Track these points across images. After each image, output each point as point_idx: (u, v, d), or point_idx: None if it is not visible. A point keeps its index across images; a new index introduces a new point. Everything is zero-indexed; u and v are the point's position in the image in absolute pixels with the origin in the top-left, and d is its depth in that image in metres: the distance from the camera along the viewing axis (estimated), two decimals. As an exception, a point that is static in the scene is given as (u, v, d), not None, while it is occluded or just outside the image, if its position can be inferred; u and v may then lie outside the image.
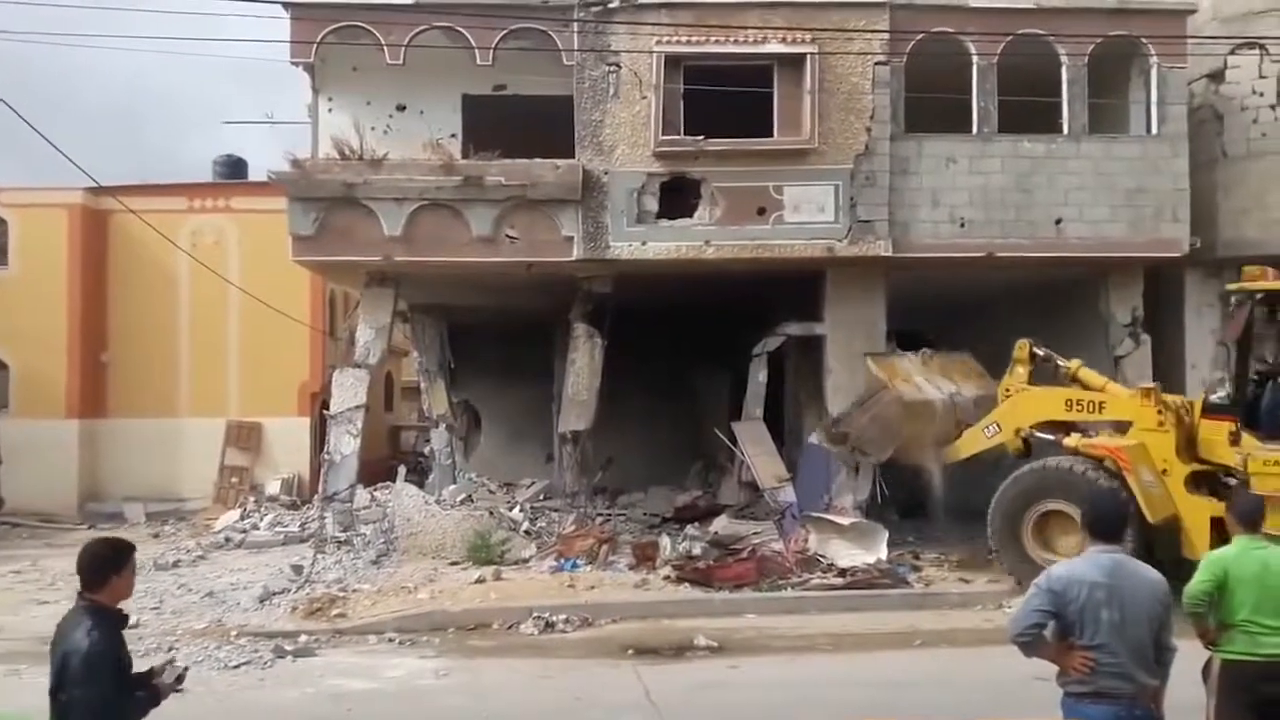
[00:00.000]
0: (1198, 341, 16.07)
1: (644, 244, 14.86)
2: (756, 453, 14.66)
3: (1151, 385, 12.39)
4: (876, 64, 14.83)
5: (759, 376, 15.06)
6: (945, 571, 13.18)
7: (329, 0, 15.03)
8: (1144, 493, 11.31)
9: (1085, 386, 12.79)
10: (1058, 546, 12.03)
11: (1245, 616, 5.54)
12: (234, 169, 26.65)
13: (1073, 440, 12.28)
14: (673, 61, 14.66)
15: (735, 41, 14.65)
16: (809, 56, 14.57)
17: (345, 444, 15.19)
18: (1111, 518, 4.92)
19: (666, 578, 13.16)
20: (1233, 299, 11.64)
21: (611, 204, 14.85)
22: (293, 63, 15.21)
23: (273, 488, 22.58)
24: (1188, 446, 11.83)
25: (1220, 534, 10.85)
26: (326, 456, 15.37)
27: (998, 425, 13.05)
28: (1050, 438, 12.60)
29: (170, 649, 10.88)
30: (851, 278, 15.32)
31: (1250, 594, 5.53)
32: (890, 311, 15.44)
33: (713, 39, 14.65)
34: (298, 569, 14.06)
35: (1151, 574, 4.81)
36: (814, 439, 14.40)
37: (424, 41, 14.66)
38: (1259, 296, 11.43)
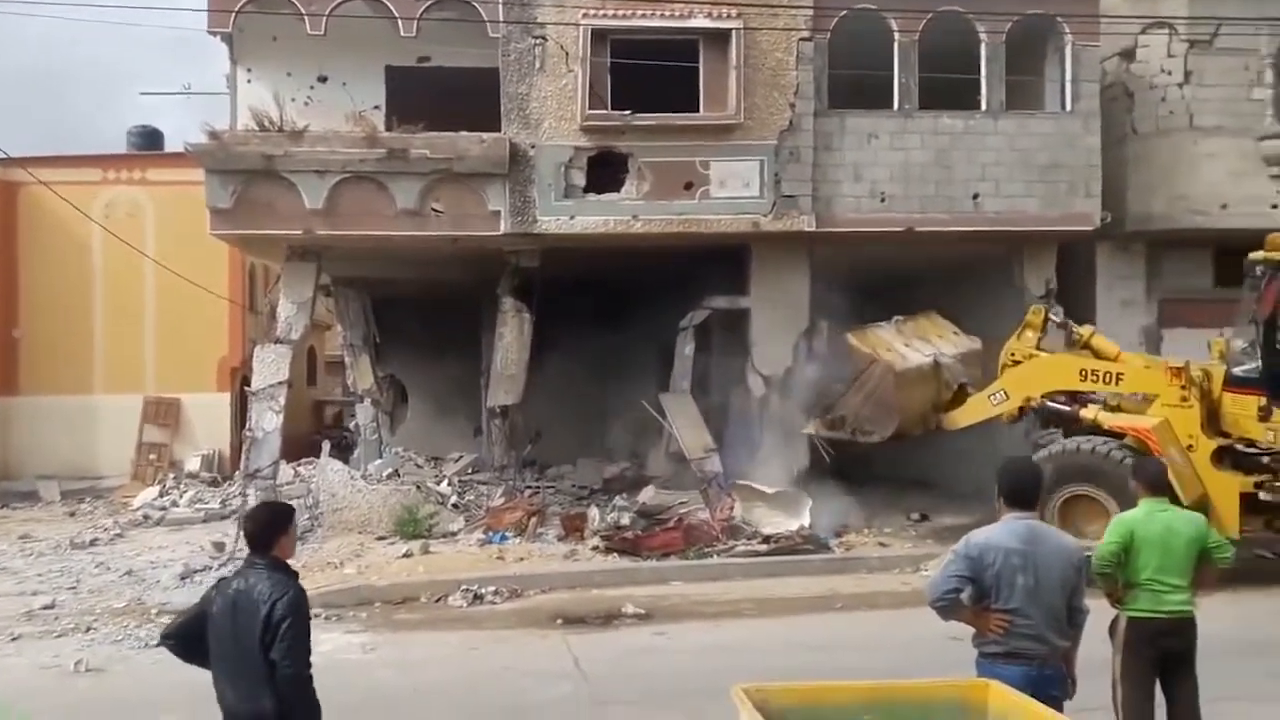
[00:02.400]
0: (1108, 313, 16.54)
1: (572, 218, 14.82)
2: (683, 424, 14.80)
3: (1181, 364, 11.72)
4: (800, 40, 14.94)
5: (685, 350, 15.17)
6: (866, 537, 13.47)
7: None
8: (1175, 473, 10.27)
9: (1097, 354, 12.34)
10: (1088, 533, 10.79)
11: (1149, 576, 5.79)
12: (150, 140, 25.90)
13: (1090, 413, 11.93)
14: (599, 35, 14.60)
15: (661, 15, 14.64)
16: (734, 32, 14.62)
17: (268, 421, 14.94)
18: (1026, 486, 5.07)
19: (595, 548, 13.27)
20: (1258, 269, 11.07)
21: (539, 178, 14.76)
22: (210, 32, 14.81)
23: (192, 464, 22.14)
24: (1212, 421, 11.47)
25: (1251, 508, 10.92)
26: (249, 433, 15.11)
27: (1005, 393, 12.62)
28: (1064, 408, 12.26)
29: (89, 629, 10.69)
30: (776, 252, 15.49)
31: (1154, 555, 5.78)
32: (814, 285, 15.64)
33: (639, 13, 14.63)
34: (219, 546, 13.86)
35: (1065, 540, 5.02)
36: (809, 430, 14.26)
37: (346, 11, 14.38)
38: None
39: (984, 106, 15.44)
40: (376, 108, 15.25)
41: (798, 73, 14.96)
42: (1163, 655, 5.89)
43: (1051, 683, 4.82)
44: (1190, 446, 11.27)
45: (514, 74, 14.83)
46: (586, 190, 14.84)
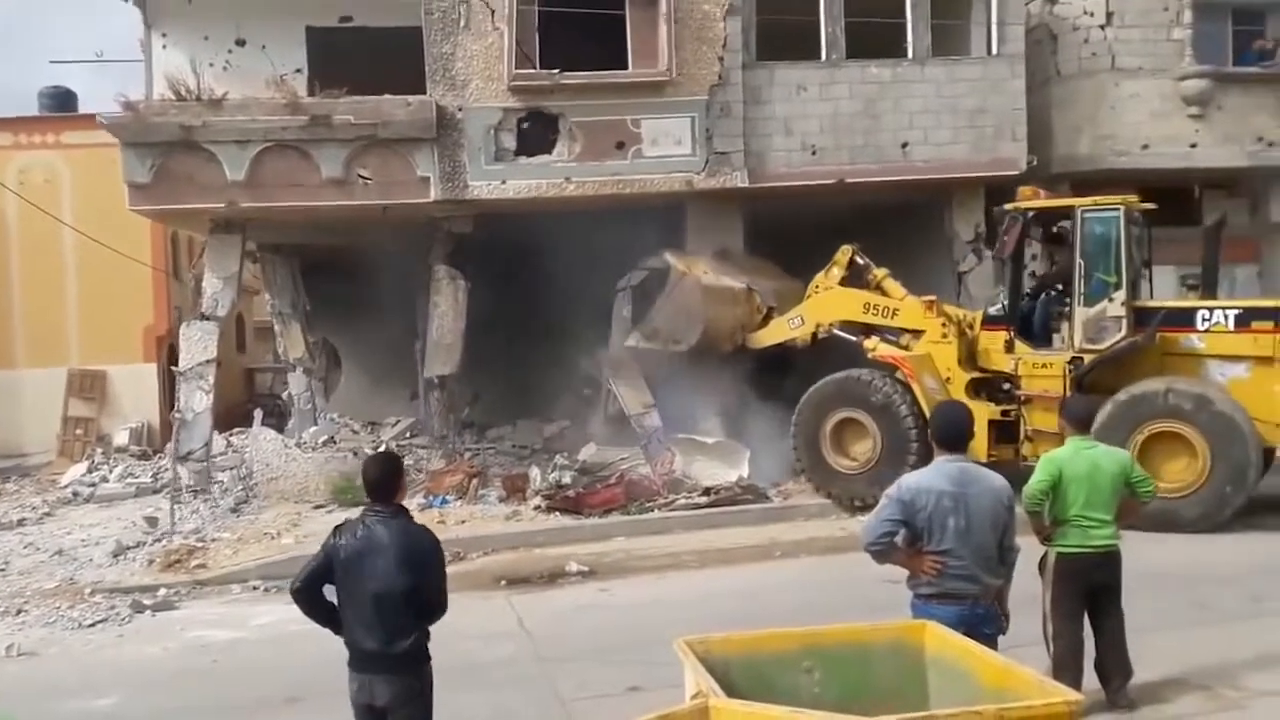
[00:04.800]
0: (1038, 256, 16.81)
1: (503, 183, 14.61)
2: (623, 381, 14.79)
3: (932, 298, 13.16)
4: None
5: (624, 312, 15.12)
6: (803, 484, 13.63)
7: None
8: (927, 399, 11.99)
9: (885, 294, 13.44)
10: (852, 452, 12.82)
11: (1077, 512, 5.97)
12: (62, 101, 24.84)
13: (870, 343, 13.04)
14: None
15: None
16: None
17: (197, 401, 14.57)
18: (956, 428, 5.16)
19: (537, 508, 13.27)
20: (1006, 217, 12.41)
21: (468, 142, 14.51)
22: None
23: (121, 438, 21.59)
24: (969, 357, 12.69)
25: (998, 436, 12.14)
26: (178, 415, 14.74)
27: (802, 318, 13.76)
28: (852, 338, 13.29)
29: (19, 612, 10.44)
30: (710, 209, 15.44)
31: (1081, 491, 5.97)
32: (748, 239, 15.67)
33: None
34: (152, 521, 13.59)
35: (995, 480, 5.08)
36: (632, 341, 14.65)
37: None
38: (1030, 215, 12.26)
39: (910, 54, 15.48)
40: (298, 71, 14.84)
41: (725, 24, 14.83)
42: (1091, 588, 6.09)
43: (985, 620, 4.93)
44: (948, 379, 12.44)
45: (438, 33, 14.51)
46: (517, 153, 14.63)
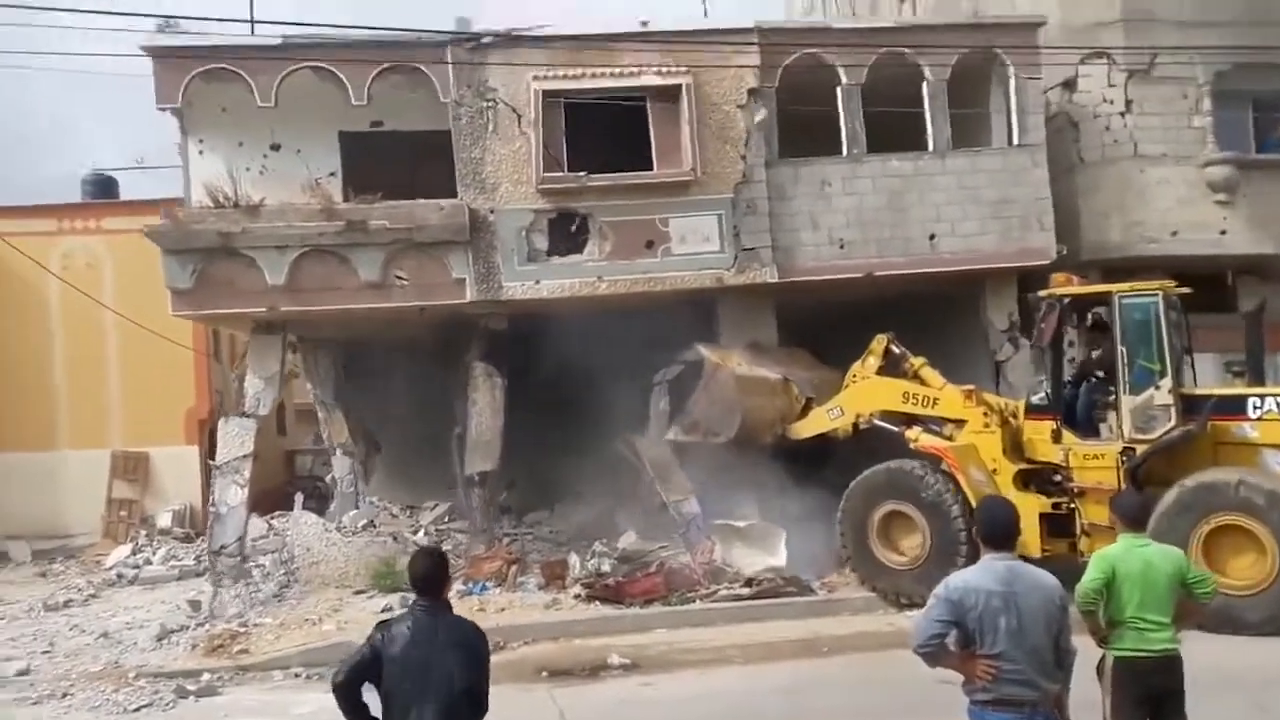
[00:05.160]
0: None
1: (537, 283, 14.85)
2: (660, 468, 14.84)
3: (971, 388, 13.03)
4: (749, 90, 15.14)
5: (661, 405, 15.16)
6: (847, 576, 13.51)
7: (193, 44, 14.65)
8: (974, 491, 11.82)
9: (924, 383, 13.36)
10: (901, 547, 12.57)
11: (1133, 613, 5.81)
12: (104, 188, 25.57)
13: (912, 434, 12.84)
14: (550, 97, 14.68)
15: (611, 75, 14.78)
16: (684, 87, 14.76)
17: (232, 495, 14.59)
18: (1003, 526, 5.10)
19: (577, 596, 13.24)
20: (1042, 305, 12.28)
21: (501, 244, 14.79)
22: (159, 108, 14.75)
23: (164, 520, 21.77)
24: (1015, 447, 12.42)
25: (1051, 529, 11.87)
26: (213, 508, 14.84)
27: (841, 409, 13.59)
28: (894, 429, 13.12)
29: (65, 695, 10.52)
30: (741, 302, 15.57)
31: (1135, 591, 5.80)
32: (781, 331, 15.80)
33: (588, 73, 14.74)
34: (195, 605, 13.70)
35: (1046, 578, 5.01)
36: (671, 434, 14.72)
37: (296, 81, 14.43)
38: (1066, 301, 12.15)
39: (931, 147, 15.67)
40: (332, 175, 15.22)
41: (746, 124, 15.10)
42: (1151, 694, 5.89)
43: None
44: (995, 470, 12.22)
45: (466, 138, 14.85)
46: (549, 253, 14.86)
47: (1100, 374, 12.28)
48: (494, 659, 11.32)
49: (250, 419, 14.97)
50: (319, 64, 14.48)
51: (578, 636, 12.02)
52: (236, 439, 14.84)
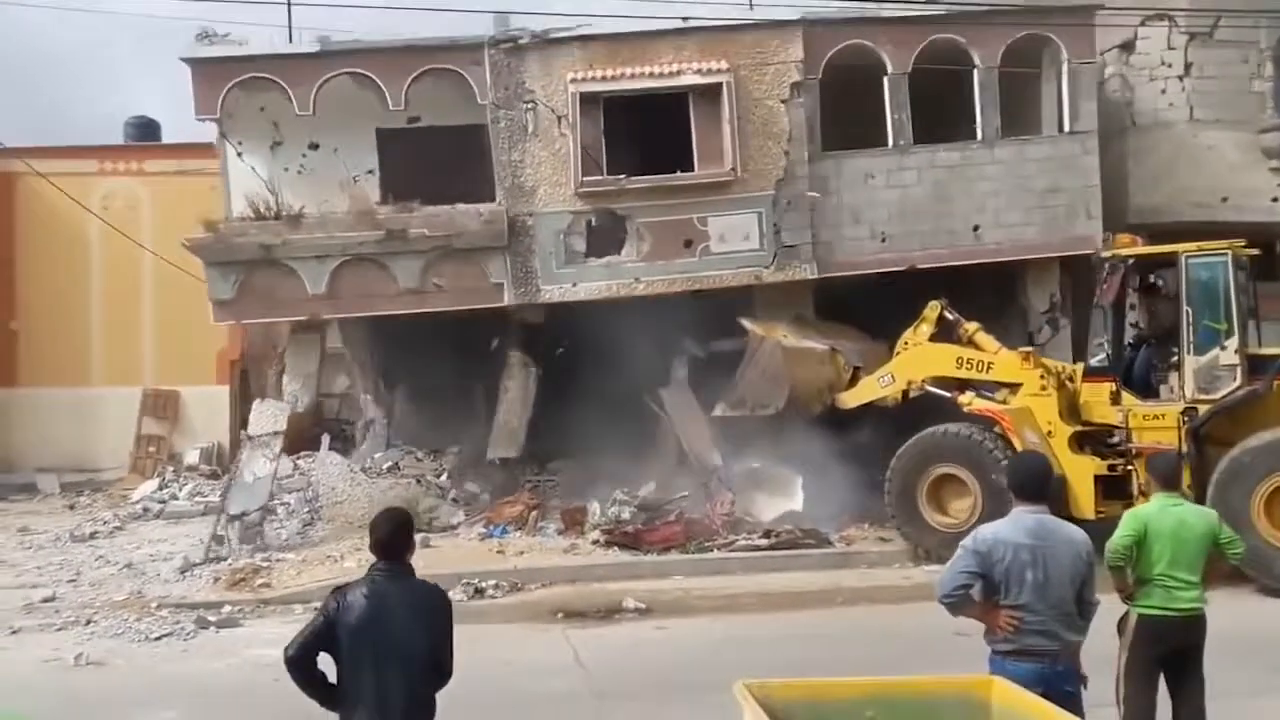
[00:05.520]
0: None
1: (575, 285, 14.79)
2: (685, 418, 14.78)
3: (1030, 349, 12.83)
4: (792, 84, 14.79)
5: (679, 373, 15.17)
6: (865, 530, 13.44)
7: (231, 54, 14.56)
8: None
9: (978, 348, 13.08)
10: (950, 509, 12.39)
11: (1162, 571, 5.75)
12: (146, 130, 25.69)
13: (965, 398, 12.62)
14: (589, 98, 14.48)
15: (650, 75, 14.50)
16: (725, 85, 14.46)
17: (260, 466, 14.49)
18: (1035, 478, 5.03)
19: (595, 542, 13.25)
20: (1106, 265, 12.04)
21: (539, 247, 14.72)
22: (199, 119, 14.75)
23: (191, 457, 22.03)
24: (1070, 410, 12.20)
25: (1106, 491, 11.66)
26: (237, 476, 14.64)
27: (892, 375, 13.30)
28: (945, 394, 12.86)
29: (89, 622, 10.69)
30: (780, 294, 15.38)
31: (1167, 549, 5.74)
32: (819, 312, 15.62)
33: (627, 73, 14.49)
34: (219, 539, 13.82)
35: (1074, 532, 4.96)
36: (718, 411, 14.52)
37: (334, 82, 14.34)
38: (1130, 262, 11.88)
39: (980, 136, 15.26)
40: (370, 173, 15.21)
41: (790, 118, 14.78)
42: (1170, 652, 5.85)
43: (1065, 679, 4.79)
44: (1050, 432, 11.93)
45: (505, 142, 14.73)
46: (587, 255, 14.78)
47: (1158, 337, 12.03)
48: (511, 599, 11.55)
49: (284, 403, 15.04)
50: (356, 70, 14.44)
51: (595, 581, 12.03)
52: (270, 417, 14.84)
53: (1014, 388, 12.47)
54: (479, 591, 11.69)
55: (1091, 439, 12.06)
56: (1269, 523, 10.56)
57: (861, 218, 15.12)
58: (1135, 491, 11.50)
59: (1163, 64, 16.55)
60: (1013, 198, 15.21)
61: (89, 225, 21.93)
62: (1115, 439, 11.83)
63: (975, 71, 15.12)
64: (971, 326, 13.28)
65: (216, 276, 14.52)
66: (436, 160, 14.78)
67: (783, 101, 14.83)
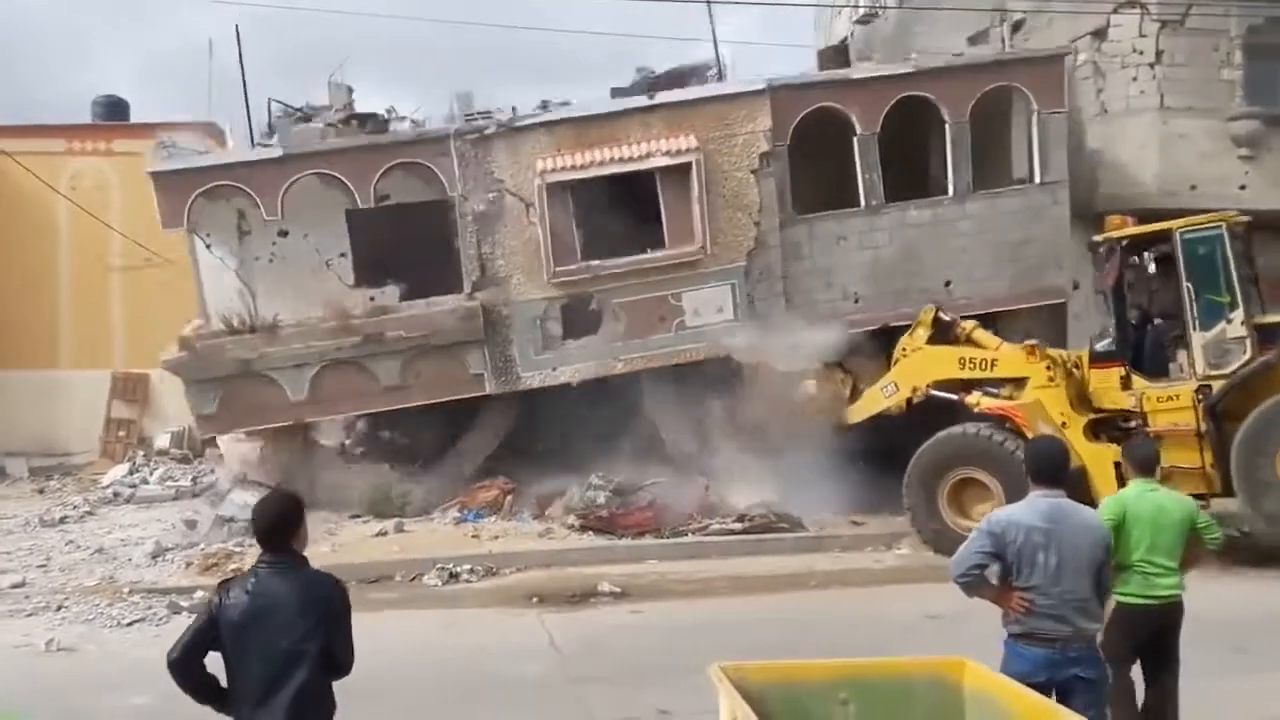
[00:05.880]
0: (1077, 304, 16.09)
1: (554, 370, 14.86)
2: (661, 406, 14.82)
3: (1033, 342, 12.53)
4: (761, 155, 14.83)
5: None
6: (837, 515, 13.52)
7: (194, 165, 14.53)
8: None
9: (978, 346, 12.91)
10: (973, 514, 11.92)
11: (1140, 557, 5.78)
12: (114, 110, 25.40)
13: (973, 398, 12.36)
14: (557, 187, 14.49)
15: (618, 161, 14.50)
16: (694, 164, 14.49)
17: (248, 495, 14.20)
18: (1052, 463, 5.03)
19: (570, 526, 13.29)
20: (1100, 249, 11.98)
21: (517, 336, 14.78)
22: (166, 230, 14.77)
23: (162, 441, 21.90)
24: (1080, 398, 12.03)
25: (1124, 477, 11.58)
26: (223, 502, 14.64)
27: (895, 384, 13.03)
28: (951, 396, 12.60)
29: (60, 608, 10.61)
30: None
31: (1146, 534, 5.77)
32: None
33: (595, 159, 14.50)
34: (191, 524, 13.76)
35: (1092, 519, 4.99)
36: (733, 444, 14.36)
37: (300, 187, 14.39)
38: (1124, 244, 11.77)
39: (951, 191, 15.24)
40: (342, 255, 15.12)
41: (759, 188, 14.79)
42: (1147, 639, 5.89)
43: (1076, 664, 4.78)
44: (1064, 424, 11.70)
45: (475, 233, 14.73)
46: (565, 338, 14.83)
47: (1163, 316, 11.95)
48: (486, 584, 11.55)
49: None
50: (322, 171, 14.48)
51: (570, 565, 12.08)
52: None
53: (1020, 382, 12.23)
54: (454, 576, 11.71)
55: (1106, 426, 11.87)
56: None
57: (834, 280, 15.12)
58: (1158, 477, 11.45)
59: (1134, 51, 16.61)
60: (984, 251, 15.18)
61: (57, 206, 21.69)
62: (1131, 424, 11.64)
63: (947, 126, 15.20)
64: (969, 325, 13.12)
65: (196, 393, 14.63)
66: (408, 237, 14.79)
67: (752, 172, 14.86)
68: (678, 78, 16.11)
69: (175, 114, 17.27)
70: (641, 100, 14.96)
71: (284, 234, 15.09)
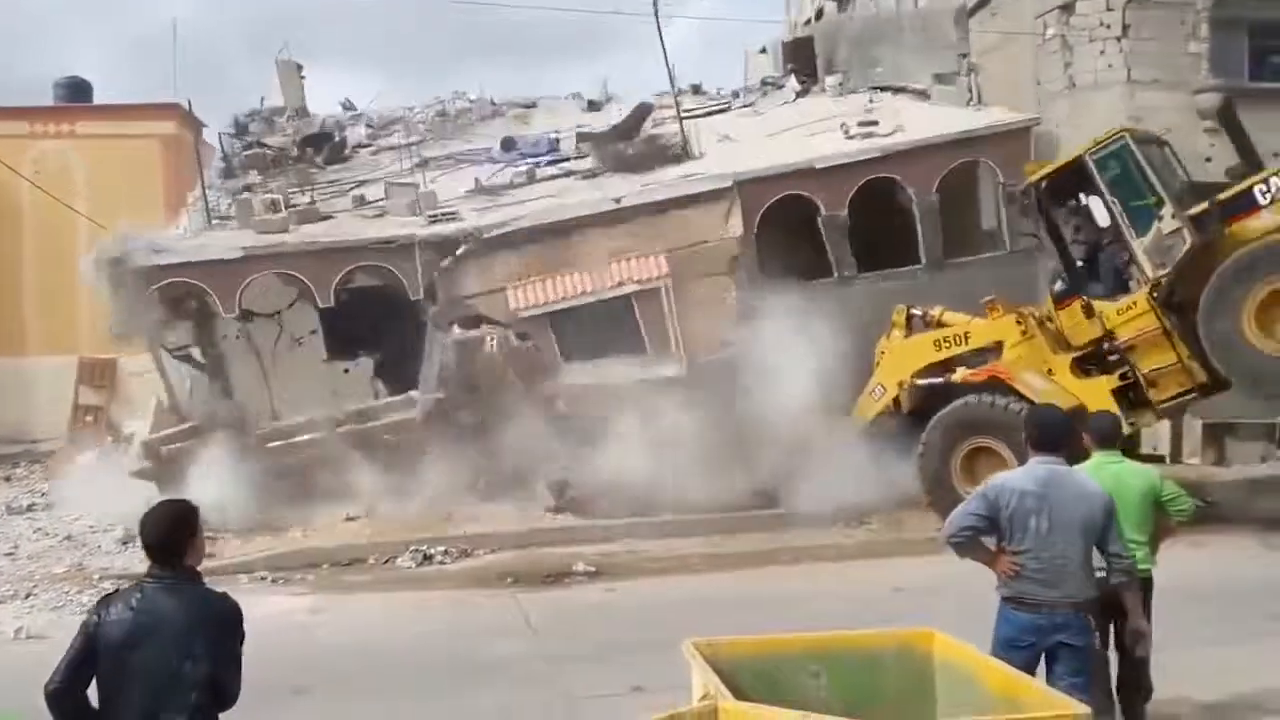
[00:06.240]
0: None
1: None
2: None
3: (991, 297, 12.66)
4: (731, 258, 15.02)
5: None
6: (815, 490, 13.50)
7: (153, 264, 14.48)
8: (1036, 393, 11.43)
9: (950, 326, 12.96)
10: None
11: None
12: (77, 91, 25.05)
13: (958, 374, 12.39)
14: (533, 319, 14.61)
15: (590, 293, 14.67)
16: (664, 289, 14.73)
17: None
18: (1050, 430, 5.06)
19: (546, 508, 13.26)
20: (1021, 199, 12.44)
21: None
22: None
23: (130, 427, 21.67)
24: (1060, 343, 12.24)
25: (1123, 399, 11.71)
26: None
27: (881, 386, 13.04)
28: (937, 380, 12.60)
29: (29, 595, 10.52)
30: None
31: None
32: None
33: (567, 293, 14.62)
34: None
35: (1090, 486, 4.98)
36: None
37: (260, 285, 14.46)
38: (1043, 185, 12.15)
39: (924, 260, 15.43)
40: (313, 332, 15.39)
41: (731, 295, 14.96)
42: (1117, 614, 5.55)
43: (1062, 630, 4.80)
44: (1050, 370, 11.94)
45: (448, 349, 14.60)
46: None
47: (1107, 242, 12.27)
48: (459, 566, 11.52)
49: None
50: (282, 271, 14.50)
51: (544, 545, 12.08)
52: None
53: (998, 348, 12.36)
54: (427, 558, 11.69)
55: (1090, 360, 12.14)
56: (1256, 324, 10.81)
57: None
58: (1144, 383, 11.76)
59: (1101, 25, 16.66)
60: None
61: (20, 190, 21.37)
62: (1108, 349, 11.95)
63: (914, 204, 15.41)
64: (937, 310, 13.18)
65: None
66: (380, 314, 14.93)
67: (725, 275, 15.08)
68: (634, 125, 16.75)
69: (140, 96, 17.01)
70: (609, 204, 15.14)
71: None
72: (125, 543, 12.37)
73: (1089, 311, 11.93)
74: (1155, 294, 11.47)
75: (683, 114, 17.50)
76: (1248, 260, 11.05)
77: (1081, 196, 12.49)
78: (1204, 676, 6.75)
